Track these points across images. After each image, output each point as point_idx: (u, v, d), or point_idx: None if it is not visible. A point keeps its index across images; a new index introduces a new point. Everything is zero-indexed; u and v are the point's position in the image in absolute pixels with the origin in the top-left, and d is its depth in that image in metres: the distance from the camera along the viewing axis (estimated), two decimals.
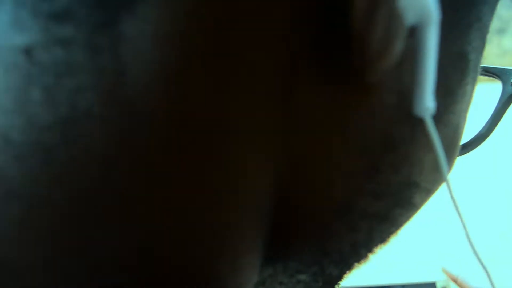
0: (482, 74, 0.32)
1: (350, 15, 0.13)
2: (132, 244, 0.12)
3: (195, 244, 0.13)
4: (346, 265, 0.19)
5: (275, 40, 0.13)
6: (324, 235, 0.17)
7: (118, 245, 0.12)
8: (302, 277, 0.18)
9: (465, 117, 0.19)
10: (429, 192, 0.19)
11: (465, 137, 0.26)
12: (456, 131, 0.19)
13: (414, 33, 0.14)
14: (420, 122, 0.16)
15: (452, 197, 0.18)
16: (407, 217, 0.19)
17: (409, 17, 0.13)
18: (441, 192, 0.23)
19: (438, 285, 0.60)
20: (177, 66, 0.12)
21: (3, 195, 0.11)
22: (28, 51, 0.11)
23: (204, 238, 0.13)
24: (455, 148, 0.19)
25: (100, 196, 0.12)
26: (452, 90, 0.17)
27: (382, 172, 0.16)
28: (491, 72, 0.32)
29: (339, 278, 0.19)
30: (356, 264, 0.19)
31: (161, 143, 0.12)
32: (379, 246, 0.19)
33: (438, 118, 0.17)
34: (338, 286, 0.19)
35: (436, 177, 0.19)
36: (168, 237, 0.13)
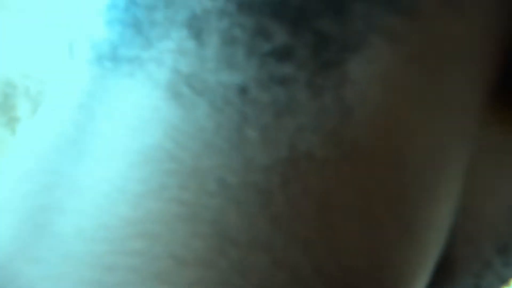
0: None
1: None
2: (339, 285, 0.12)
3: (387, 279, 0.13)
4: None
5: (479, 76, 0.13)
6: (483, 271, 0.17)
7: None
8: None
9: None
10: None
11: None
12: None
13: None
14: None
15: None
16: None
17: None
18: None
19: None
20: (401, 109, 0.12)
21: (220, 241, 0.11)
22: (243, 90, 0.11)
23: (395, 272, 0.13)
24: None
25: (314, 241, 0.12)
26: None
27: None
28: None
29: None
30: None
31: (379, 186, 0.12)
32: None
33: None
34: None
35: None
36: (366, 272, 0.12)
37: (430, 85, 0.12)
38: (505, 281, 0.19)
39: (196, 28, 0.12)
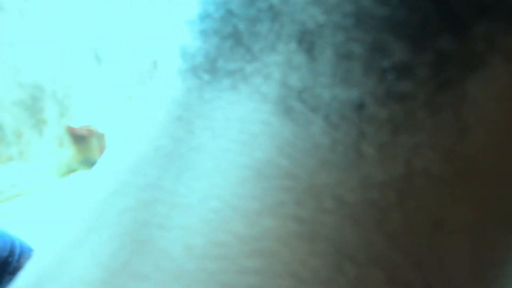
0: None
1: None
2: None
3: None
4: None
5: None
6: None
7: None
8: None
9: None
10: None
11: None
12: None
13: None
14: None
15: None
16: None
17: None
18: None
19: None
20: None
21: (338, 259, 0.11)
22: (359, 105, 0.11)
23: None
24: None
25: (427, 258, 0.11)
26: None
27: None
28: None
29: None
30: None
31: (492, 204, 0.12)
32: None
33: None
34: None
35: None
36: None
37: None
38: None
39: (307, 42, 0.11)
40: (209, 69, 0.13)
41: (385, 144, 0.11)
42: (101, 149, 2.61)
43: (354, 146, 0.11)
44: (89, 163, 2.69)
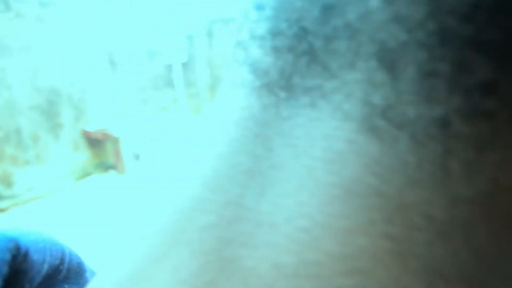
0: None
1: None
2: None
3: None
4: None
5: None
6: None
7: None
8: None
9: None
10: None
11: None
12: None
13: None
14: None
15: None
16: None
17: None
18: None
19: None
20: None
21: (429, 276, 0.11)
22: (445, 123, 0.11)
23: None
24: None
25: None
26: None
27: None
28: None
29: None
30: None
31: None
32: None
33: None
34: None
35: None
36: None
37: None
38: None
39: (388, 60, 0.12)
40: (285, 86, 0.13)
41: (471, 162, 0.11)
42: (116, 153, 2.63)
43: (441, 164, 0.11)
44: (104, 166, 2.71)
